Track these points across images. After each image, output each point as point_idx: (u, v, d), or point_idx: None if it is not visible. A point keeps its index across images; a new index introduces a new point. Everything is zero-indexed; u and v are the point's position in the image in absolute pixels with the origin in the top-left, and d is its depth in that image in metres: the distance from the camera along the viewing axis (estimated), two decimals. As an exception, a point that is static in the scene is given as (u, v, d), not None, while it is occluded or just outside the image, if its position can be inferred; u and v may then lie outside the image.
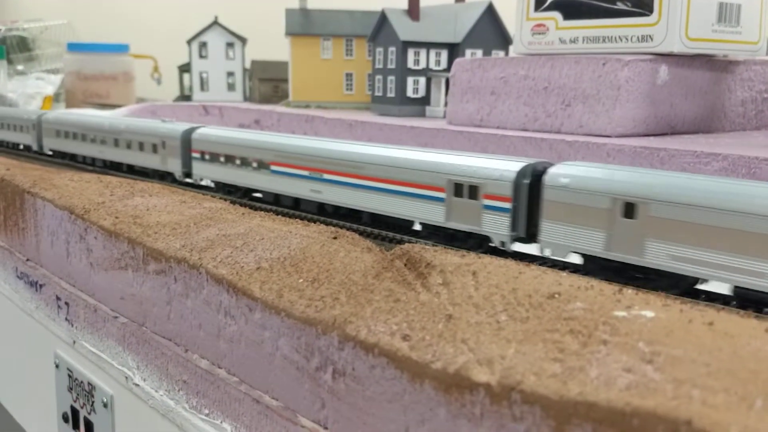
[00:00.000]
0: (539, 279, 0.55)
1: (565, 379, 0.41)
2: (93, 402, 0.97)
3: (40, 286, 1.08)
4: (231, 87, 2.85)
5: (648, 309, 0.47)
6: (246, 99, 2.85)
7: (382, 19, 1.91)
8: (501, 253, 0.98)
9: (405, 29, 1.87)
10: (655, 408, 0.36)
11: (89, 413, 0.98)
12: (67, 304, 0.98)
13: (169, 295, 0.75)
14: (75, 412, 1.03)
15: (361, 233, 0.85)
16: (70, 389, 1.03)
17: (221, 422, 0.68)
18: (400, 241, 0.96)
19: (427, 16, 1.91)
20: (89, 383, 0.97)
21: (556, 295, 0.51)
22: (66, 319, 0.99)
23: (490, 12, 1.89)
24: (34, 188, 1.08)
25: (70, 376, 1.03)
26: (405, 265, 0.65)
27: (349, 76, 2.32)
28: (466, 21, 1.90)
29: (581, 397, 0.39)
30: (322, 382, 0.56)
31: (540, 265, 0.72)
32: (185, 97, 2.96)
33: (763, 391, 0.36)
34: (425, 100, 1.90)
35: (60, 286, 1.00)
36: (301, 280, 0.63)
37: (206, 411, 0.70)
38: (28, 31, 3.70)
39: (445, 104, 1.86)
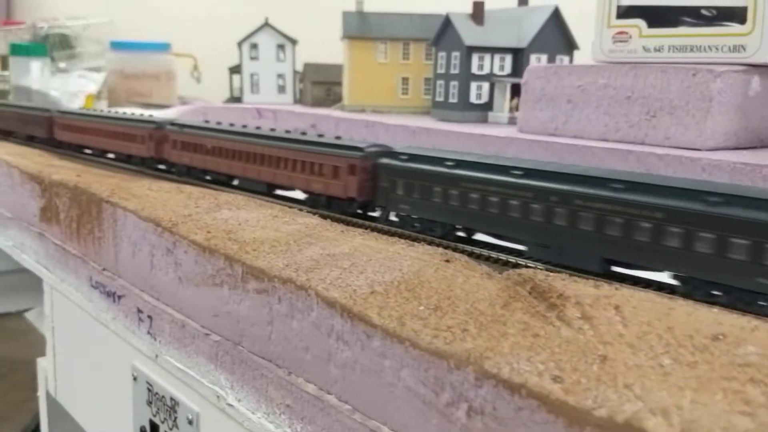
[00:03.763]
0: (694, 316, 0.51)
1: (765, 438, 0.37)
2: (176, 418, 0.95)
3: (119, 297, 1.06)
4: (281, 89, 2.83)
5: (837, 358, 0.43)
6: (296, 101, 2.83)
7: (446, 23, 1.87)
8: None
9: (470, 34, 1.83)
10: None
11: (171, 428, 0.96)
12: (150, 317, 0.97)
13: (271, 315, 0.72)
14: (154, 427, 1.01)
15: (470, 255, 0.81)
16: (150, 403, 1.02)
17: (330, 452, 0.66)
18: (507, 263, 0.91)
19: (491, 21, 1.87)
20: (172, 398, 0.96)
21: (720, 337, 0.47)
22: (148, 332, 0.97)
23: (556, 17, 1.84)
24: (113, 197, 1.07)
25: (149, 389, 1.01)
26: (530, 293, 0.62)
27: (405, 80, 2.28)
28: (532, 25, 1.85)
29: (794, 463, 0.35)
30: (454, 419, 0.53)
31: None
32: (235, 98, 2.95)
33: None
34: (488, 106, 1.86)
35: (142, 298, 0.98)
36: (421, 308, 0.60)
37: (312, 439, 0.68)
38: (70, 29, 3.71)
39: (509, 110, 1.82)
